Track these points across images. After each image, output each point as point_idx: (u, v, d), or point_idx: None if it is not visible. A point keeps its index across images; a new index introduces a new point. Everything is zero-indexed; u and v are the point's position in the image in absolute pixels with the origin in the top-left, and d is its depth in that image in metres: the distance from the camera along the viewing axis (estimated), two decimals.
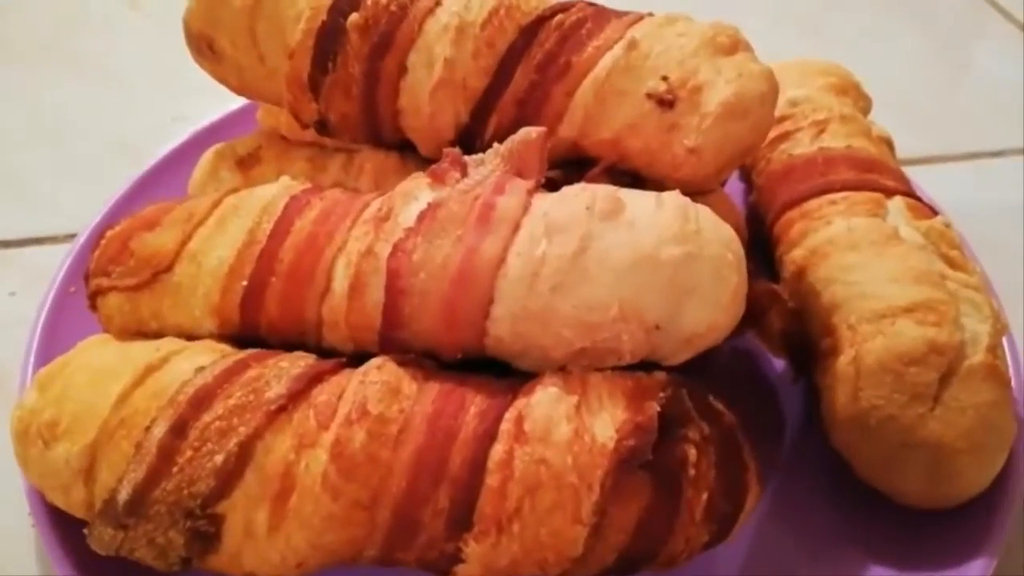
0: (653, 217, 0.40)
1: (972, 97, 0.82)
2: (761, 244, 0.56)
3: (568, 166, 0.49)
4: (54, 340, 0.52)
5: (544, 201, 0.41)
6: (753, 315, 0.45)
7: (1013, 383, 0.49)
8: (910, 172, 0.56)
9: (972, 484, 0.43)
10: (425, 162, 0.51)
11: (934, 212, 0.50)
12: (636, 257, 0.39)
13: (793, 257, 0.51)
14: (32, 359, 0.51)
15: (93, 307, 0.47)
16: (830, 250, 0.48)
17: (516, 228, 0.40)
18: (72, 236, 0.65)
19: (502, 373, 0.42)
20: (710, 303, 0.39)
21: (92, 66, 0.84)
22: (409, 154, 0.52)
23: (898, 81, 0.84)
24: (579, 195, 0.41)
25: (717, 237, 0.40)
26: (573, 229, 0.40)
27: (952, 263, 0.46)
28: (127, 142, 0.75)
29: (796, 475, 0.49)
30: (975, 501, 0.44)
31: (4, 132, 0.76)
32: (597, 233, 0.39)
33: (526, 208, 0.41)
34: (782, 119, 0.56)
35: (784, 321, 0.50)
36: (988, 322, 0.44)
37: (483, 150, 0.49)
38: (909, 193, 0.51)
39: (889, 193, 0.50)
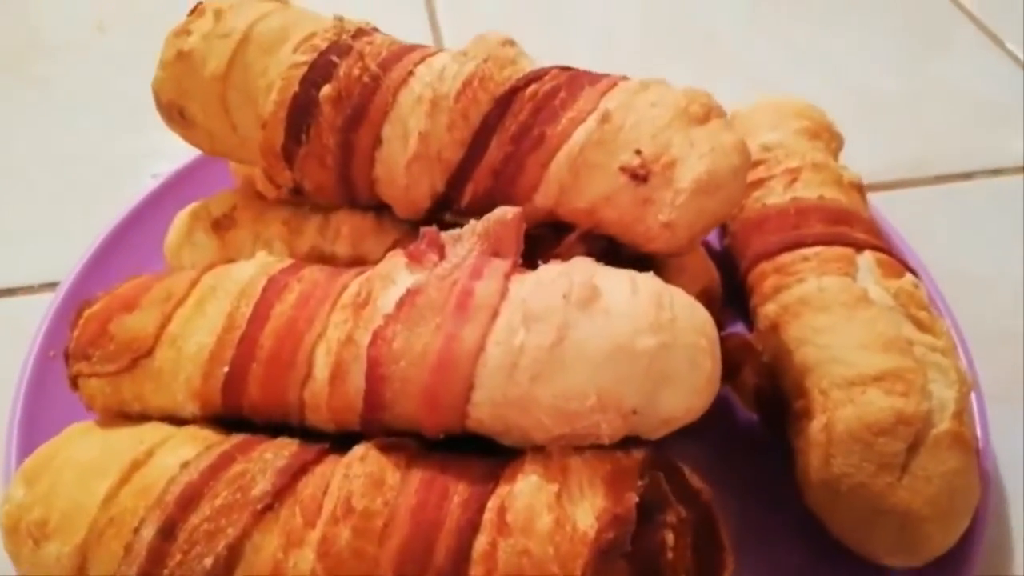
0: (628, 305, 0.40)
1: (941, 115, 0.82)
2: (735, 288, 0.57)
3: (546, 227, 0.49)
4: (36, 412, 0.53)
5: (522, 286, 0.42)
6: (728, 369, 0.46)
7: (978, 430, 0.51)
8: (879, 197, 0.57)
9: (939, 546, 0.44)
10: (402, 222, 0.51)
11: (904, 266, 0.51)
12: (612, 347, 0.39)
13: (767, 312, 0.51)
14: (15, 434, 0.51)
15: (74, 387, 0.47)
16: (802, 309, 0.49)
17: (494, 315, 0.41)
18: (47, 285, 0.65)
19: (482, 446, 0.43)
20: (686, 389, 0.40)
21: (57, 93, 0.82)
22: (386, 215, 0.52)
23: (867, 95, 0.84)
24: (556, 282, 0.41)
25: (691, 324, 0.40)
26: (550, 318, 0.40)
27: (920, 325, 0.47)
28: (97, 180, 0.74)
29: (768, 518, 0.50)
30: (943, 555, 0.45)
31: None
32: (574, 322, 0.40)
33: (504, 294, 0.42)
34: (756, 164, 0.56)
35: (758, 377, 0.51)
36: (955, 387, 0.45)
37: (460, 214, 0.49)
38: (879, 247, 0.52)
39: (860, 247, 0.51)
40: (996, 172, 0.76)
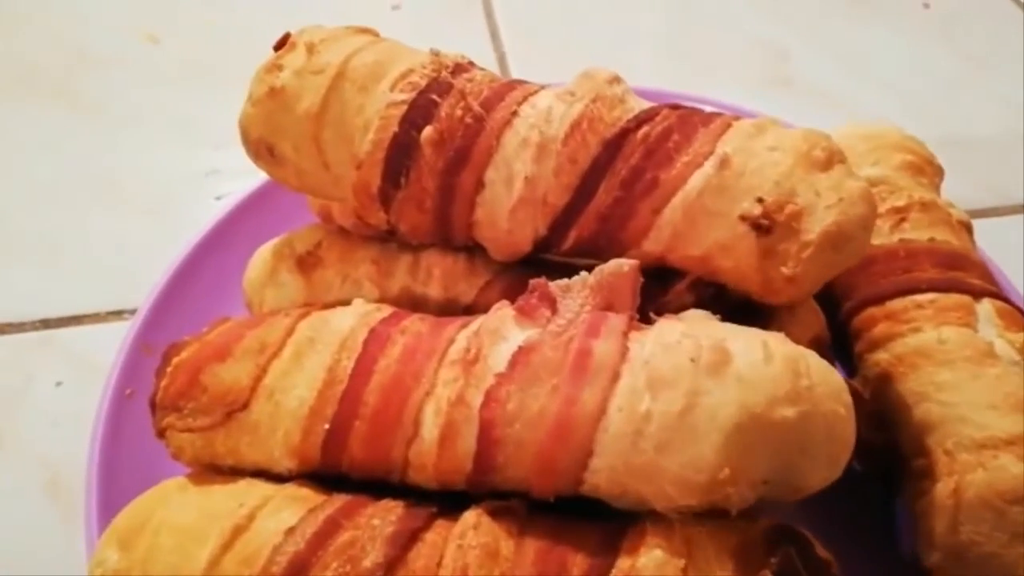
0: (762, 371, 0.38)
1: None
2: (833, 328, 0.54)
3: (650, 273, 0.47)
4: (116, 453, 0.51)
5: (643, 347, 0.40)
6: None
7: None
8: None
9: None
10: (494, 263, 0.49)
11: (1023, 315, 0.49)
12: (747, 417, 0.37)
13: (877, 359, 0.49)
14: (95, 478, 0.49)
15: (161, 436, 0.45)
16: (920, 361, 0.47)
17: (615, 378, 0.39)
18: (114, 313, 0.64)
19: (594, 507, 0.41)
20: (823, 460, 0.38)
21: (109, 112, 0.80)
22: (478, 254, 0.50)
23: (945, 120, 0.81)
24: (682, 343, 0.39)
25: (829, 392, 0.38)
26: (678, 384, 0.38)
27: None
28: (157, 202, 0.72)
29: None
30: None
31: (17, 189, 0.72)
32: (704, 389, 0.38)
33: (624, 354, 0.39)
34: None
35: (868, 430, 0.49)
36: None
37: (560, 256, 0.47)
38: (996, 294, 0.49)
39: (977, 295, 0.49)
40: None
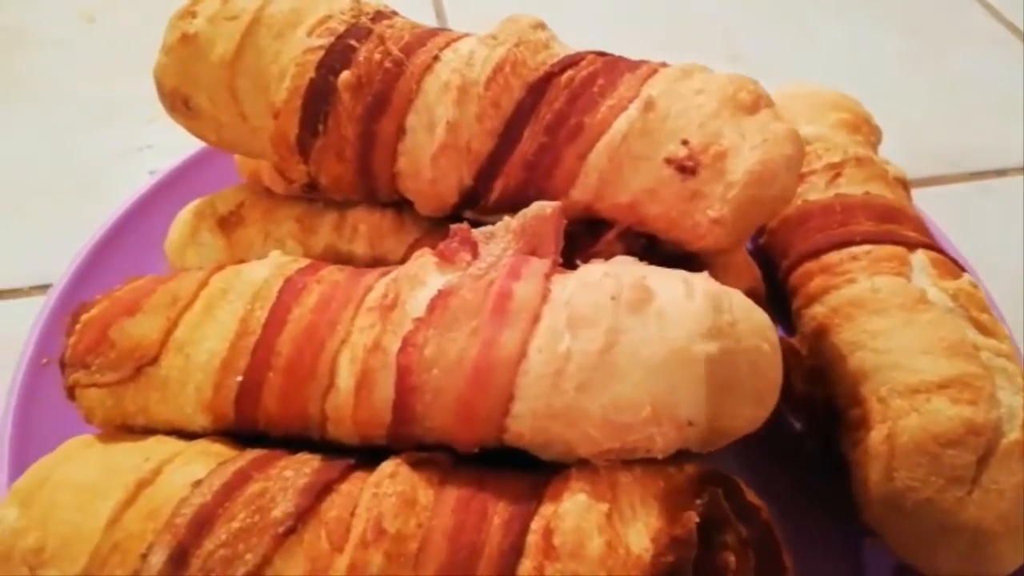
0: (684, 308, 0.37)
1: (970, 111, 0.80)
2: (771, 287, 0.53)
3: (580, 223, 0.46)
4: (30, 425, 0.49)
5: (564, 288, 0.38)
6: None
7: None
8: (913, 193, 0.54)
9: (1010, 564, 0.41)
10: (423, 220, 0.48)
11: (958, 267, 0.48)
12: (669, 353, 0.36)
13: (813, 313, 0.48)
14: (7, 448, 0.47)
15: (71, 397, 0.43)
16: (854, 312, 0.46)
17: (536, 319, 0.38)
18: (37, 288, 0.61)
19: (518, 460, 0.40)
20: (748, 398, 0.37)
21: (45, 91, 0.78)
22: (406, 211, 0.48)
23: (892, 94, 0.81)
24: (602, 282, 0.38)
25: (753, 328, 0.37)
26: (599, 322, 0.37)
27: (982, 328, 0.44)
28: (88, 177, 0.70)
29: (817, 543, 0.47)
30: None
31: None
32: (625, 327, 0.37)
33: (545, 295, 0.38)
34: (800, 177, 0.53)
35: (805, 383, 0.48)
36: (1022, 393, 0.42)
37: (488, 211, 0.46)
38: (931, 245, 0.49)
39: (911, 246, 0.48)
40: None
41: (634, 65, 0.45)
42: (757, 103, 0.43)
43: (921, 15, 0.92)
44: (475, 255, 0.40)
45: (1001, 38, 0.89)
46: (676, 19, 0.89)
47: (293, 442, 0.41)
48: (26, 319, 0.55)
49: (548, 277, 0.39)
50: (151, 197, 0.60)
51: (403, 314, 0.39)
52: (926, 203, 0.61)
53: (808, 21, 0.91)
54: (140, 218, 0.59)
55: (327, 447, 0.40)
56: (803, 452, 0.50)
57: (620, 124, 0.42)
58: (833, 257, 0.49)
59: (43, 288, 0.61)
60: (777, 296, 0.53)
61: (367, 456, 0.39)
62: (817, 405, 0.47)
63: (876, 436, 0.42)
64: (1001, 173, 0.73)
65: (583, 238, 0.44)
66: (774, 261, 0.54)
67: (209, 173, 0.60)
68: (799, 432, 0.51)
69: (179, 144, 0.61)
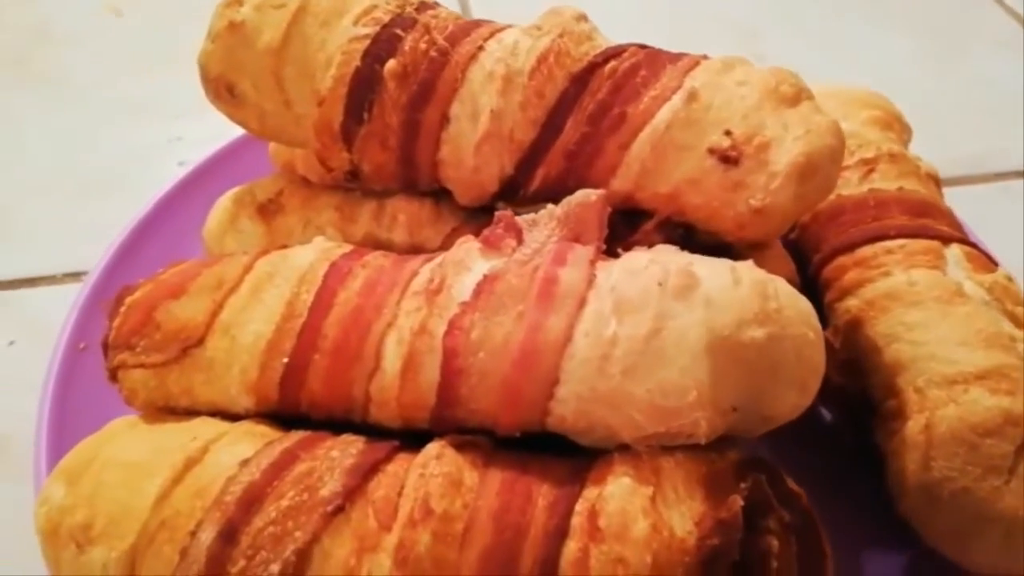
0: (730, 294, 0.37)
1: (994, 112, 0.80)
2: (803, 283, 0.54)
3: (618, 214, 0.46)
4: (66, 404, 0.49)
5: (610, 274, 0.39)
6: None
7: None
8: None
9: None
10: (461, 210, 0.48)
11: (991, 261, 0.49)
12: (715, 339, 0.36)
13: (847, 306, 0.49)
14: (44, 433, 0.47)
15: (114, 379, 0.43)
16: (890, 304, 0.46)
17: (581, 304, 0.38)
18: (71, 276, 0.62)
19: (558, 446, 0.40)
20: (793, 385, 0.37)
21: (73, 85, 0.78)
22: (444, 201, 0.49)
23: (915, 95, 0.82)
24: (648, 269, 0.38)
25: (798, 314, 0.37)
26: (645, 308, 0.37)
27: (1018, 321, 0.45)
28: (120, 168, 0.70)
29: (855, 536, 0.47)
30: None
31: None
32: (671, 312, 0.37)
33: (590, 281, 0.39)
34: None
35: (840, 375, 0.48)
36: None
37: (527, 200, 0.46)
38: (965, 240, 0.49)
39: (945, 240, 0.48)
40: None
41: (676, 57, 0.45)
42: (799, 96, 0.43)
43: (941, 16, 0.92)
44: (520, 241, 0.41)
45: (1018, 39, 0.90)
46: (700, 18, 0.90)
47: (335, 425, 0.41)
48: (59, 306, 0.55)
49: (593, 263, 0.39)
50: (184, 187, 0.61)
51: (449, 298, 0.39)
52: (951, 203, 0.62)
53: (831, 22, 0.91)
54: (173, 208, 0.60)
55: (369, 430, 0.40)
56: (836, 444, 0.50)
57: (664, 114, 0.43)
58: (867, 251, 0.49)
59: (75, 275, 0.61)
60: (808, 292, 0.54)
61: (409, 440, 0.40)
62: (851, 397, 0.48)
63: (914, 426, 0.43)
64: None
65: (620, 228, 0.45)
66: (806, 256, 0.54)
67: (241, 164, 0.61)
68: (831, 424, 0.51)
69: (207, 136, 0.62)
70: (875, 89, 0.60)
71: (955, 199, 0.59)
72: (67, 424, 0.49)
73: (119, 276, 0.55)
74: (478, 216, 0.48)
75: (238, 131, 0.62)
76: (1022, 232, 0.68)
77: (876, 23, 0.92)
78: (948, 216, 0.51)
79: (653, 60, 0.45)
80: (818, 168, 0.41)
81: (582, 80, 0.44)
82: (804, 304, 0.38)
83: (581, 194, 0.41)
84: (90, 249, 0.58)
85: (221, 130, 0.63)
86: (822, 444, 0.51)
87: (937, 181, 0.54)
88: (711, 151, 0.42)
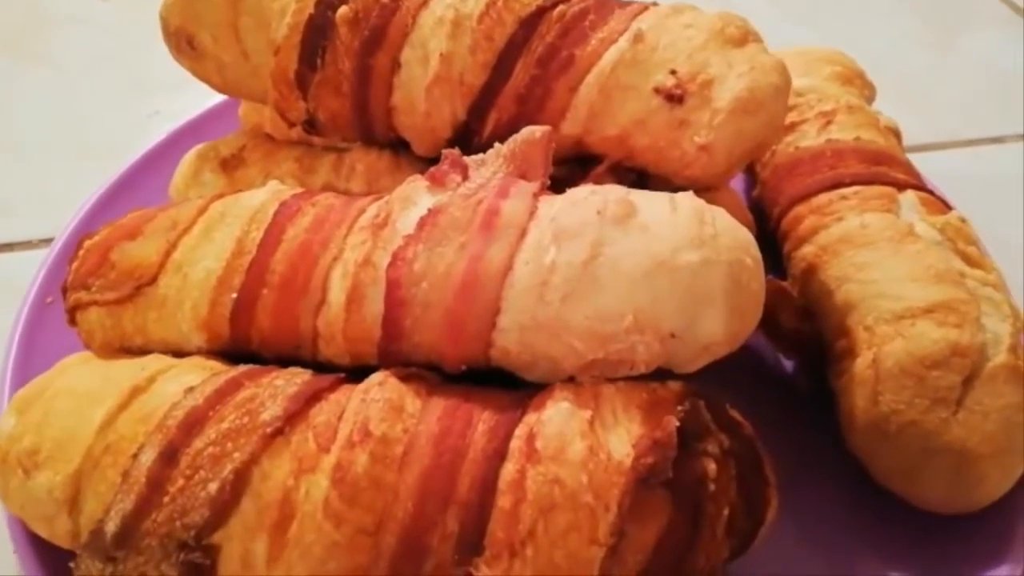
0: (667, 221, 0.38)
1: (970, 83, 0.80)
2: (766, 239, 0.54)
3: (571, 163, 0.47)
4: (31, 355, 0.50)
5: (551, 205, 0.39)
6: (763, 316, 0.43)
7: None
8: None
9: (995, 488, 0.41)
10: (420, 161, 0.49)
11: (947, 206, 0.49)
12: (651, 264, 0.37)
13: (803, 254, 0.49)
14: (8, 377, 0.48)
15: (72, 322, 0.44)
16: (842, 247, 0.46)
17: (523, 234, 0.38)
18: (46, 241, 0.63)
19: (506, 384, 0.40)
20: (729, 310, 0.37)
21: (59, 61, 0.80)
22: (403, 153, 0.50)
23: (894, 65, 0.82)
24: (588, 199, 0.39)
25: (735, 241, 0.38)
26: (583, 235, 0.37)
27: (969, 260, 0.45)
28: (100, 141, 0.72)
29: (809, 478, 0.47)
30: (997, 504, 0.42)
31: None
32: (609, 239, 0.37)
33: (532, 213, 0.39)
34: (787, 109, 0.54)
35: (795, 320, 0.48)
36: (1008, 321, 0.43)
37: (481, 148, 0.47)
38: (920, 187, 0.49)
39: (900, 187, 0.49)
40: None
41: (625, 3, 0.46)
42: (745, 37, 0.44)
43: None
44: (465, 178, 0.41)
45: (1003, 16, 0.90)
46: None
47: (285, 364, 0.41)
48: (34, 269, 0.56)
49: (536, 196, 0.40)
50: (158, 151, 0.61)
51: (393, 231, 0.40)
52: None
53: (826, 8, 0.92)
54: (144, 173, 0.60)
55: (319, 368, 0.41)
56: (793, 390, 0.50)
57: (610, 55, 0.43)
58: (823, 199, 0.49)
59: (49, 241, 0.62)
60: (772, 249, 0.54)
61: (357, 377, 0.40)
62: (807, 343, 0.48)
63: (861, 363, 0.43)
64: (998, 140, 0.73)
65: (575, 178, 0.45)
66: (767, 211, 0.54)
67: (215, 130, 0.61)
68: (791, 372, 0.51)
69: (183, 109, 0.64)
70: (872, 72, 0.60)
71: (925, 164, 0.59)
72: (31, 375, 0.49)
73: None
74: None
75: (211, 104, 0.65)
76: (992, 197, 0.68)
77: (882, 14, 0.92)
78: (905, 165, 0.51)
79: (602, 5, 0.45)
80: (761, 104, 0.42)
81: (531, 24, 0.44)
82: (743, 232, 0.39)
83: (527, 131, 0.42)
84: (64, 216, 0.59)
85: (196, 104, 0.65)
86: (779, 390, 0.51)
87: (897, 134, 0.55)
88: (656, 90, 0.43)
